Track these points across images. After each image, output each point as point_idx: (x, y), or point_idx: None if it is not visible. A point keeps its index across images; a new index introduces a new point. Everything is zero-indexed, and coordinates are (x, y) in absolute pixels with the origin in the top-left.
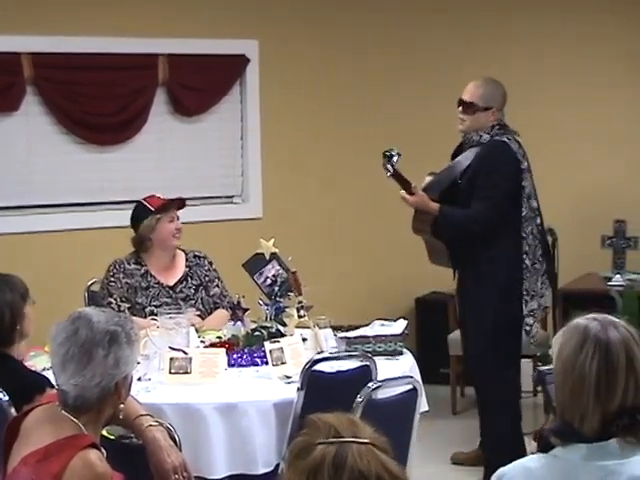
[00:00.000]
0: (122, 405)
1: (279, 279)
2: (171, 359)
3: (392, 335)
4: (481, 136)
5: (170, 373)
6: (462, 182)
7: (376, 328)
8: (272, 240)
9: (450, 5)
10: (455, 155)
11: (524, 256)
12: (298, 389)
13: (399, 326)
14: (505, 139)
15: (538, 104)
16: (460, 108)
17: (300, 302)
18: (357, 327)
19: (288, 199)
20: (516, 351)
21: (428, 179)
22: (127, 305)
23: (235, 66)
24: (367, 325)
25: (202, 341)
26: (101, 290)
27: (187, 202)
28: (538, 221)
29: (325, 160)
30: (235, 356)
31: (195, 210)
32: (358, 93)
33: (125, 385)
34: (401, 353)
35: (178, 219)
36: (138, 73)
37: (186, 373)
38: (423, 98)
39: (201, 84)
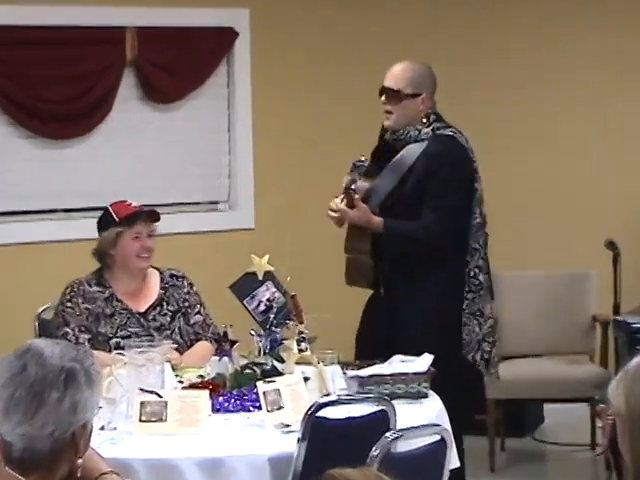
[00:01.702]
0: (80, 460)
1: (275, 304)
2: (142, 403)
3: (415, 373)
4: (419, 130)
5: (140, 421)
6: (406, 187)
7: (395, 365)
8: (266, 256)
9: None
10: (380, 156)
11: (477, 271)
12: (299, 440)
13: (423, 362)
14: (450, 132)
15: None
16: (383, 98)
17: (301, 332)
18: (371, 363)
19: (285, 205)
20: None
21: (347, 178)
22: (87, 336)
23: (221, 41)
24: (384, 361)
25: (180, 381)
26: (55, 318)
27: (162, 210)
28: (486, 229)
29: (331, 155)
30: (221, 400)
31: (172, 219)
32: (368, 72)
33: (84, 436)
34: (426, 396)
35: (151, 235)
36: (101, 50)
37: (160, 421)
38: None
39: (178, 63)
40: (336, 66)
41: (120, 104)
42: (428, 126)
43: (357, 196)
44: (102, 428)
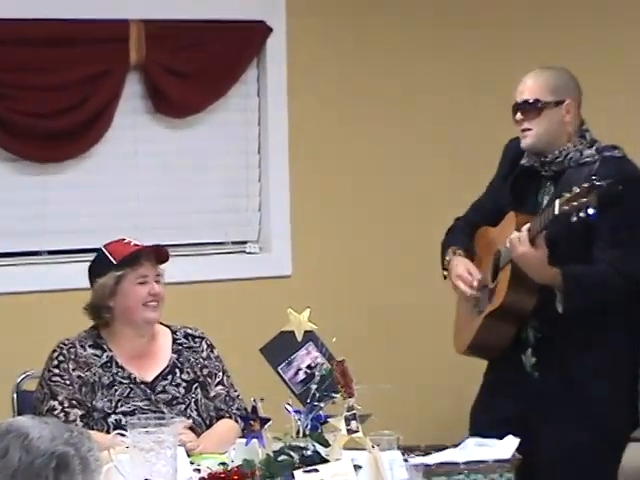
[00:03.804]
0: None
1: (318, 372)
2: None
3: (496, 461)
4: (581, 152)
5: None
6: (571, 224)
7: (470, 450)
8: (307, 311)
9: None
10: (524, 186)
11: None
12: None
13: (507, 447)
14: (619, 154)
15: None
16: (518, 115)
17: (351, 408)
18: (440, 448)
19: (330, 246)
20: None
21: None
22: (80, 412)
23: (249, 39)
24: (456, 445)
25: (197, 469)
26: (40, 389)
27: (173, 251)
28: None
29: (387, 184)
30: None
31: (186, 263)
32: (424, 93)
33: None
34: None
35: (158, 280)
36: (98, 50)
37: None
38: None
39: (196, 68)
40: (392, 69)
41: (123, 119)
42: (590, 146)
43: (543, 233)
44: None
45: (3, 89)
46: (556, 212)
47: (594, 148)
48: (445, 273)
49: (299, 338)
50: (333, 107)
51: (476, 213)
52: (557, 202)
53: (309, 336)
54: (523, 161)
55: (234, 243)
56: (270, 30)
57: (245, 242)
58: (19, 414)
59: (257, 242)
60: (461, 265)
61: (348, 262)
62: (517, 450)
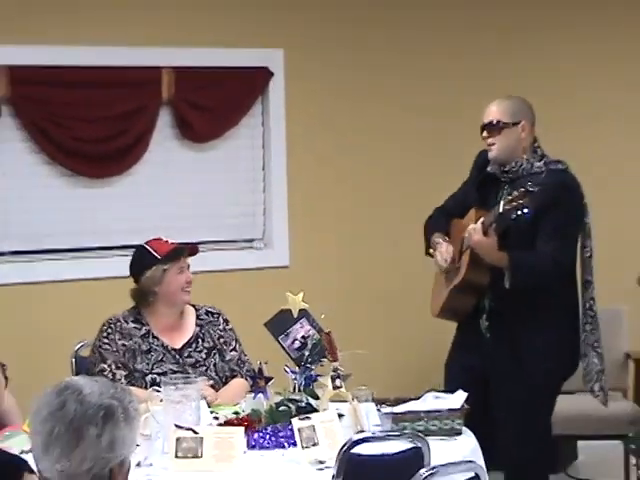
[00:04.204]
0: None
1: (310, 341)
2: (178, 440)
3: (449, 410)
4: (532, 164)
5: (176, 457)
6: (522, 219)
7: (429, 401)
8: (301, 293)
9: (501, 6)
10: (487, 188)
11: (592, 302)
12: (334, 477)
13: (457, 399)
14: (562, 167)
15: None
16: (485, 133)
17: (336, 370)
18: (406, 400)
19: (320, 243)
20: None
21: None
22: (124, 373)
23: (256, 81)
24: (418, 398)
25: (216, 417)
26: (92, 355)
27: (199, 248)
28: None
29: (368, 192)
30: (256, 436)
31: (207, 257)
32: (402, 108)
33: (122, 472)
34: (460, 433)
35: (189, 269)
36: (137, 90)
37: (196, 457)
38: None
39: (214, 103)
40: (373, 104)
41: (156, 143)
42: (540, 160)
43: (494, 225)
44: (139, 464)
45: (62, 120)
46: (500, 211)
47: (542, 162)
48: (431, 251)
49: (295, 315)
50: (324, 133)
51: (450, 205)
52: (502, 203)
53: (303, 313)
54: (488, 169)
55: (244, 241)
56: (271, 74)
57: (252, 240)
58: (77, 375)
59: (262, 240)
60: (444, 246)
61: (335, 255)
62: (476, 397)
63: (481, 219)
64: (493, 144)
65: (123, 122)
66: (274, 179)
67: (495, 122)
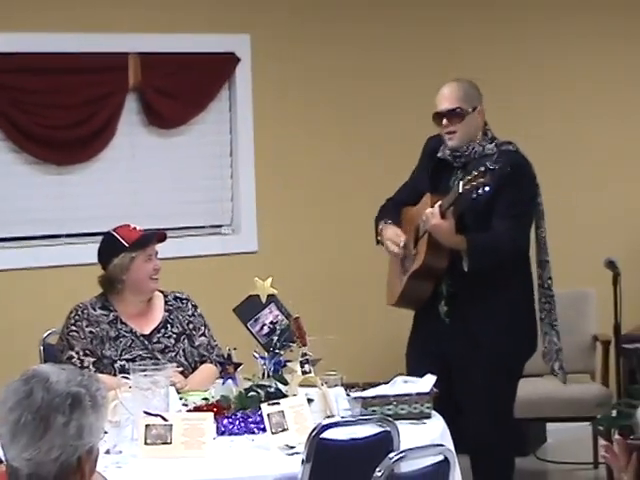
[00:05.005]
0: None
1: (278, 327)
2: (147, 427)
3: (418, 394)
4: (483, 146)
5: (146, 444)
6: (476, 200)
7: (398, 386)
8: (269, 279)
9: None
10: (439, 174)
11: (550, 282)
12: (303, 462)
13: (426, 383)
14: (513, 148)
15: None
16: (444, 121)
17: (304, 355)
18: (375, 385)
19: (288, 228)
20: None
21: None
22: (92, 359)
23: (222, 67)
24: (387, 382)
25: (185, 404)
26: (60, 342)
27: (167, 234)
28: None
29: (335, 178)
30: (225, 422)
31: (175, 243)
32: (367, 95)
33: (90, 460)
34: (429, 416)
35: (157, 256)
36: (103, 76)
37: (165, 444)
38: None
39: (181, 89)
40: (339, 89)
41: (123, 130)
42: (491, 142)
43: (451, 208)
44: (107, 452)
45: (28, 107)
46: (460, 191)
47: (494, 144)
48: (379, 238)
49: (263, 300)
50: (291, 118)
51: (402, 195)
52: (461, 183)
53: (271, 299)
54: (439, 154)
55: (212, 226)
56: (238, 60)
57: (220, 226)
58: (45, 362)
59: (230, 226)
60: (390, 230)
61: (303, 240)
62: (439, 382)
63: (438, 202)
64: (454, 132)
65: (90, 108)
66: (242, 165)
67: (457, 110)
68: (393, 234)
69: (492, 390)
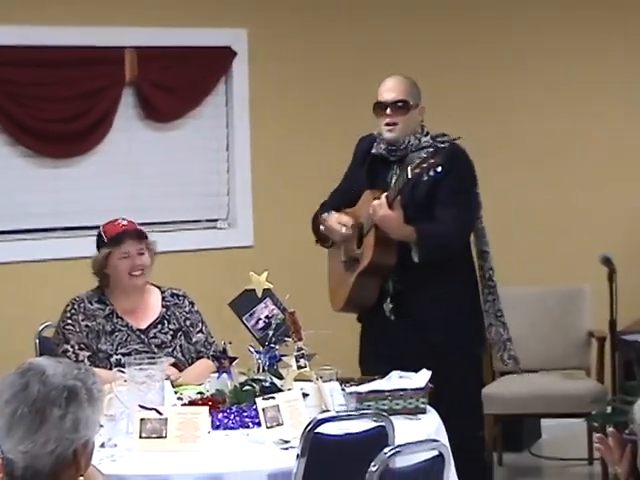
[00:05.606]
0: (81, 478)
1: (274, 321)
2: (142, 420)
3: (413, 389)
4: (419, 139)
5: (141, 437)
6: (417, 193)
7: (393, 381)
8: (265, 273)
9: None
10: (376, 171)
11: (491, 273)
12: (298, 456)
13: (421, 378)
14: (447, 138)
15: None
16: (388, 111)
17: (300, 349)
18: (370, 380)
19: (284, 223)
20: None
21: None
22: (87, 353)
23: (219, 61)
24: (382, 377)
25: (180, 398)
26: (56, 335)
27: (162, 228)
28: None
29: (331, 173)
30: (220, 416)
31: (171, 237)
32: (373, 87)
33: (85, 453)
34: (424, 411)
35: (141, 253)
36: (100, 70)
37: (160, 437)
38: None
39: (177, 83)
40: (335, 83)
41: (120, 124)
42: (426, 135)
43: (398, 198)
44: (102, 445)
45: (24, 100)
46: (409, 176)
47: (429, 136)
48: (322, 228)
49: (259, 295)
50: (288, 112)
51: (336, 198)
52: (409, 168)
53: (267, 293)
54: (373, 150)
55: (208, 221)
56: (235, 54)
57: (216, 220)
58: (41, 355)
59: (226, 220)
60: (333, 216)
61: (299, 235)
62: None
63: (385, 194)
64: (395, 124)
65: (86, 102)
66: (238, 159)
67: (403, 102)
68: (337, 218)
69: (452, 386)
